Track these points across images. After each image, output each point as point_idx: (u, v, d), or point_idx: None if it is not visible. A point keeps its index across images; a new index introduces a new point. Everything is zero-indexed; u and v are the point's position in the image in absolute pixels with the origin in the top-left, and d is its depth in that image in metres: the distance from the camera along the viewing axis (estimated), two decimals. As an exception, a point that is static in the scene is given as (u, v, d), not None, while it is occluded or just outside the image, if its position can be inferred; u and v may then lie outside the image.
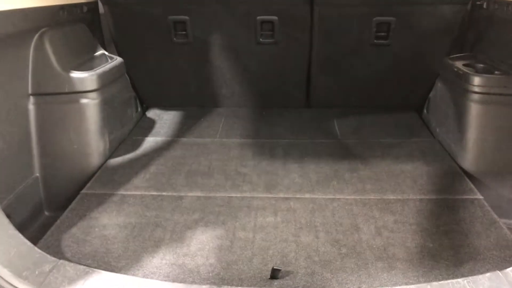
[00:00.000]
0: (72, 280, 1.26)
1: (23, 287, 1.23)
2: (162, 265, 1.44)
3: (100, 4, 2.59)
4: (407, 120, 2.62)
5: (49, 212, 2.07)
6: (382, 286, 1.33)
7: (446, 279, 1.32)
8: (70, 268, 1.31)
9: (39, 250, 1.36)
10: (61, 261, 1.32)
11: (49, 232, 1.61)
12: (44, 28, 2.02)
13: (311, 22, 2.48)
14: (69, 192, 2.01)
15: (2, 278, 1.24)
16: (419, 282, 1.35)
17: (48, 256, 1.35)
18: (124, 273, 1.40)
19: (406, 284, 1.34)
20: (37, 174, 2.03)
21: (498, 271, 1.25)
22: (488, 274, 1.25)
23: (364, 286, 1.34)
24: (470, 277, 1.25)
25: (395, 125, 2.55)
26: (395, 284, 1.34)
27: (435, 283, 1.26)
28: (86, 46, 2.39)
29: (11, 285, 1.24)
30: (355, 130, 2.50)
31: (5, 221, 1.38)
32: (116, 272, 1.39)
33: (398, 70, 2.62)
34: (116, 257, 1.48)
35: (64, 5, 2.21)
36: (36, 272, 1.28)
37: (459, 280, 1.24)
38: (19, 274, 1.25)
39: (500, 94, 1.97)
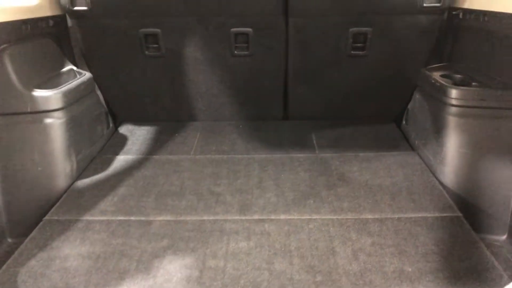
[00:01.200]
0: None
1: None
2: (125, 300, 1.35)
3: (68, 18, 2.48)
4: (386, 132, 2.57)
5: (13, 239, 1.95)
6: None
7: (425, 307, 1.26)
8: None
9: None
10: None
11: (4, 266, 1.50)
12: (4, 45, 1.91)
13: (287, 33, 2.42)
14: (34, 218, 1.90)
15: None
16: (396, 311, 1.28)
17: None
18: None
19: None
20: None
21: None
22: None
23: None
24: (449, 305, 1.20)
25: (373, 137, 2.49)
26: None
27: (412, 313, 1.20)
28: (52, 62, 2.29)
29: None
30: (333, 143, 2.43)
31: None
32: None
33: (376, 81, 2.57)
34: (76, 293, 1.39)
35: (27, 20, 2.10)
36: None
37: (438, 309, 1.19)
38: None
39: (478, 107, 1.93)
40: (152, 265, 1.50)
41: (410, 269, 1.46)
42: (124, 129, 2.68)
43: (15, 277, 1.45)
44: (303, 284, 1.41)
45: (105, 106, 2.59)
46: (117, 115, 2.76)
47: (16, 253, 1.58)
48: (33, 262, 1.53)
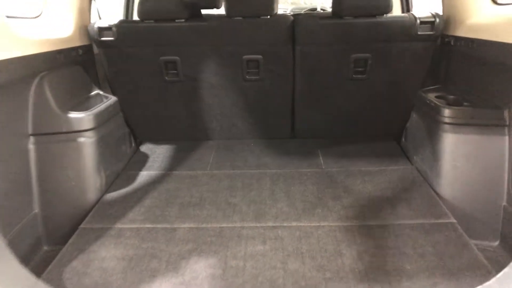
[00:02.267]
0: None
1: None
2: (158, 294, 1.54)
3: (94, 46, 2.74)
4: (386, 149, 2.77)
5: (48, 247, 2.15)
6: (363, 307, 1.44)
7: (422, 298, 1.44)
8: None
9: (43, 284, 1.45)
10: None
11: (50, 266, 1.70)
12: (44, 72, 2.15)
13: (293, 59, 2.66)
14: (67, 227, 2.11)
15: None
16: (397, 302, 1.46)
17: None
18: None
19: (385, 304, 1.45)
20: (36, 211, 2.12)
21: (468, 289, 1.38)
22: (459, 293, 1.38)
23: (346, 307, 1.45)
24: (442, 296, 1.38)
25: (375, 153, 2.70)
26: (375, 305, 1.46)
27: (411, 303, 1.38)
28: (82, 87, 2.53)
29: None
30: (337, 159, 2.64)
31: (10, 256, 1.47)
32: (116, 303, 1.49)
33: (376, 102, 2.80)
34: (115, 288, 1.58)
35: (61, 50, 2.35)
36: None
37: (433, 299, 1.37)
38: None
39: (469, 125, 2.14)
40: (180, 265, 1.70)
41: (409, 267, 1.65)
42: (145, 148, 2.90)
43: (60, 276, 1.65)
44: (314, 281, 1.59)
45: (127, 127, 2.82)
46: (138, 135, 2.98)
47: (59, 255, 1.77)
48: (74, 263, 1.72)
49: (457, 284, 1.54)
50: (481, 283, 1.51)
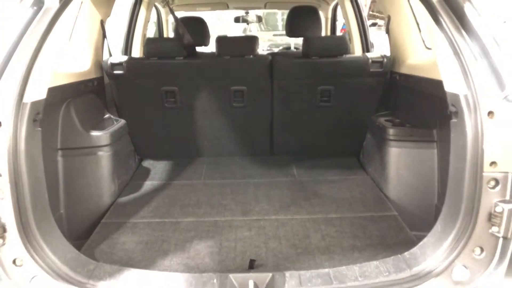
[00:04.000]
0: (110, 274, 1.82)
1: (78, 278, 1.79)
2: (171, 265, 2.04)
3: (105, 77, 3.27)
4: (347, 163, 3.37)
5: (71, 241, 2.58)
6: (324, 268, 1.97)
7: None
8: (107, 267, 1.87)
9: (84, 256, 1.93)
10: (100, 263, 1.89)
11: (84, 247, 2.17)
12: (70, 99, 2.66)
13: (272, 91, 3.27)
14: (87, 225, 2.57)
15: (64, 272, 1.79)
16: (349, 265, 2.00)
17: (91, 260, 1.92)
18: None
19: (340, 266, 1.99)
20: (62, 211, 2.58)
21: (399, 255, 1.93)
22: (392, 257, 1.92)
23: (312, 269, 1.97)
24: (381, 260, 1.92)
25: (338, 166, 3.28)
26: (333, 267, 1.99)
27: (358, 264, 1.91)
28: (97, 111, 3.05)
29: (70, 277, 1.79)
30: (308, 171, 3.21)
31: (61, 236, 1.94)
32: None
33: (339, 125, 3.41)
34: (137, 261, 2.06)
35: (82, 81, 2.88)
36: (85, 269, 1.84)
37: (374, 262, 1.91)
38: (74, 270, 1.81)
39: (408, 141, 2.74)
40: (185, 246, 2.19)
41: (359, 244, 2.19)
42: (146, 163, 3.41)
43: (93, 254, 2.12)
44: (288, 255, 2.12)
45: (132, 145, 3.33)
46: (140, 153, 3.49)
47: (88, 241, 2.25)
48: (102, 246, 2.20)
49: (393, 253, 2.09)
50: (407, 250, 2.03)
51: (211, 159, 3.48)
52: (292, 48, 5.95)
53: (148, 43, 3.17)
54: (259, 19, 6.44)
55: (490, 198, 1.67)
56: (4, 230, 1.67)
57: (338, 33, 5.55)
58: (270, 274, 1.73)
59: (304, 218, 2.48)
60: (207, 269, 1.99)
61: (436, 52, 1.89)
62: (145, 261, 2.06)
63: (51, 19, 1.78)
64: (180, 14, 4.43)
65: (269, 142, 3.52)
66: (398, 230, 2.33)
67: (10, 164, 1.64)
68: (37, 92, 1.81)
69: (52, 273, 1.74)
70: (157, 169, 3.30)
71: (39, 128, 1.89)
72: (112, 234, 2.32)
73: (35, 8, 1.76)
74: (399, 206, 2.67)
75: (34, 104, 1.78)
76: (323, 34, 4.11)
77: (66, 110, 2.61)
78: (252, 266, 1.99)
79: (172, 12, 3.31)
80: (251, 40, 3.24)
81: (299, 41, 5.90)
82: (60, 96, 2.55)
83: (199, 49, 3.42)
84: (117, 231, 2.35)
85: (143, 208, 2.63)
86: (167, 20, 5.36)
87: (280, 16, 8.40)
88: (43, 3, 1.77)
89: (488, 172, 1.66)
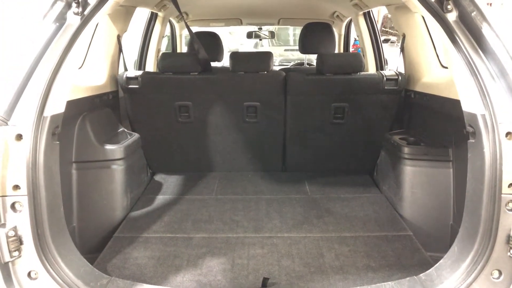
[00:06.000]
0: (122, 290, 1.82)
1: None
2: (183, 281, 2.02)
3: (120, 91, 3.31)
4: (361, 181, 3.34)
5: (83, 255, 2.59)
6: (338, 289, 1.95)
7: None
8: (120, 282, 1.88)
9: (97, 270, 1.93)
10: (113, 277, 1.89)
11: (96, 261, 2.17)
12: (85, 112, 2.69)
13: (285, 107, 3.27)
14: (99, 238, 2.57)
15: (77, 286, 1.79)
16: (363, 285, 1.97)
17: (104, 274, 1.91)
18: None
19: (354, 286, 1.96)
20: (74, 224, 2.59)
21: (415, 276, 1.89)
22: (408, 278, 1.89)
23: (325, 289, 1.95)
24: (396, 281, 1.89)
25: (352, 184, 3.26)
26: (347, 287, 1.96)
27: (373, 285, 1.88)
28: (111, 125, 3.07)
29: (82, 291, 1.79)
30: (321, 188, 3.19)
31: (75, 249, 1.94)
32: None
33: (353, 143, 3.39)
34: (149, 277, 2.05)
35: (97, 95, 2.91)
36: (98, 284, 1.84)
37: (389, 283, 1.88)
38: (87, 284, 1.81)
39: (423, 160, 2.72)
40: (197, 263, 2.18)
41: (374, 265, 2.16)
42: (158, 177, 3.42)
43: (105, 269, 2.11)
44: (301, 273, 2.09)
45: (145, 159, 3.34)
46: (152, 167, 3.50)
47: (101, 255, 2.24)
48: (114, 261, 2.20)
49: (408, 274, 2.05)
50: (423, 272, 2.00)
51: (223, 174, 3.48)
52: (305, 64, 5.97)
53: (164, 58, 3.21)
54: (272, 35, 6.51)
55: (509, 220, 1.65)
56: (21, 243, 1.67)
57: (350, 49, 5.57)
58: None
59: (317, 236, 2.45)
60: (220, 287, 1.98)
61: (452, 72, 1.88)
62: (157, 277, 2.05)
63: (72, 35, 1.82)
64: (194, 29, 4.50)
65: (282, 158, 3.51)
66: (413, 250, 2.30)
67: (29, 177, 1.65)
68: (56, 105, 1.84)
69: (66, 287, 1.74)
70: (169, 183, 3.30)
71: (57, 142, 1.91)
72: (124, 249, 2.31)
73: (57, 24, 1.80)
74: (413, 225, 2.63)
75: (54, 118, 1.81)
76: (336, 50, 4.12)
77: (82, 124, 2.64)
78: (265, 284, 1.97)
79: (188, 27, 3.34)
80: (266, 56, 3.26)
81: (312, 56, 5.97)
82: (76, 109, 2.58)
83: (212, 64, 3.45)
84: (130, 246, 2.35)
85: (155, 222, 2.63)
86: (180, 35, 5.43)
87: (292, 31, 8.48)
88: (65, 19, 1.81)
89: (506, 193, 1.64)
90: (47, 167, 1.76)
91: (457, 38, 1.79)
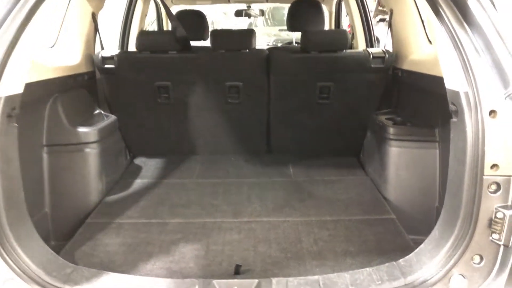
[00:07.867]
0: (87, 279, 1.72)
1: (53, 283, 1.70)
2: (153, 269, 1.94)
3: (97, 72, 3.18)
4: (346, 163, 3.24)
5: (55, 242, 2.50)
6: (314, 275, 1.86)
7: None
8: (85, 271, 1.78)
9: (62, 259, 1.83)
10: (78, 266, 1.80)
11: (64, 248, 2.08)
12: (57, 94, 2.57)
13: (268, 87, 3.15)
14: (72, 224, 2.47)
15: (38, 276, 1.70)
16: (341, 271, 1.88)
17: (69, 263, 1.82)
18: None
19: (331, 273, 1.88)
20: (47, 210, 2.49)
21: (394, 262, 1.81)
22: (386, 264, 1.81)
23: (301, 276, 1.86)
24: (375, 267, 1.80)
25: (337, 166, 3.16)
26: (324, 274, 1.88)
27: (350, 272, 1.80)
28: (87, 107, 2.95)
29: (44, 281, 1.70)
30: (305, 170, 3.09)
31: (37, 237, 1.85)
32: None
33: (339, 123, 3.28)
34: (118, 265, 1.97)
35: (71, 75, 2.78)
36: (62, 273, 1.74)
37: (367, 269, 1.79)
38: (49, 274, 1.72)
39: (408, 140, 2.61)
40: (170, 249, 2.09)
41: (353, 249, 2.08)
42: (138, 161, 3.32)
43: (73, 256, 2.03)
44: (278, 259, 2.01)
45: (123, 142, 3.23)
46: (132, 150, 3.39)
47: (71, 241, 2.16)
48: (83, 248, 2.11)
49: (388, 260, 1.97)
50: (403, 257, 1.92)
51: (205, 157, 3.37)
52: (294, 43, 5.81)
53: (140, 36, 3.07)
54: (262, 12, 6.32)
55: (491, 203, 1.56)
56: None
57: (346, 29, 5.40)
58: (256, 281, 1.64)
59: (297, 220, 2.37)
60: (191, 274, 1.89)
61: (437, 47, 1.76)
62: (127, 265, 1.96)
63: (30, 9, 1.68)
64: (181, 8, 4.34)
65: (266, 140, 3.40)
66: (395, 234, 2.21)
67: None
68: (12, 86, 1.71)
69: (25, 276, 1.65)
70: (149, 167, 3.20)
71: (16, 124, 1.78)
72: (95, 235, 2.23)
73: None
74: (398, 208, 2.55)
75: (9, 99, 1.68)
76: (326, 29, 3.98)
77: (53, 105, 2.52)
78: (238, 271, 1.88)
79: (162, 2, 3.19)
80: (248, 34, 3.12)
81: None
82: (46, 90, 2.47)
83: (198, 43, 3.32)
84: (101, 232, 2.26)
85: (130, 207, 2.54)
86: (166, 14, 5.25)
87: (287, 11, 8.26)
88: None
89: (489, 175, 1.55)
90: (2, 151, 1.64)
91: (441, 10, 1.66)
